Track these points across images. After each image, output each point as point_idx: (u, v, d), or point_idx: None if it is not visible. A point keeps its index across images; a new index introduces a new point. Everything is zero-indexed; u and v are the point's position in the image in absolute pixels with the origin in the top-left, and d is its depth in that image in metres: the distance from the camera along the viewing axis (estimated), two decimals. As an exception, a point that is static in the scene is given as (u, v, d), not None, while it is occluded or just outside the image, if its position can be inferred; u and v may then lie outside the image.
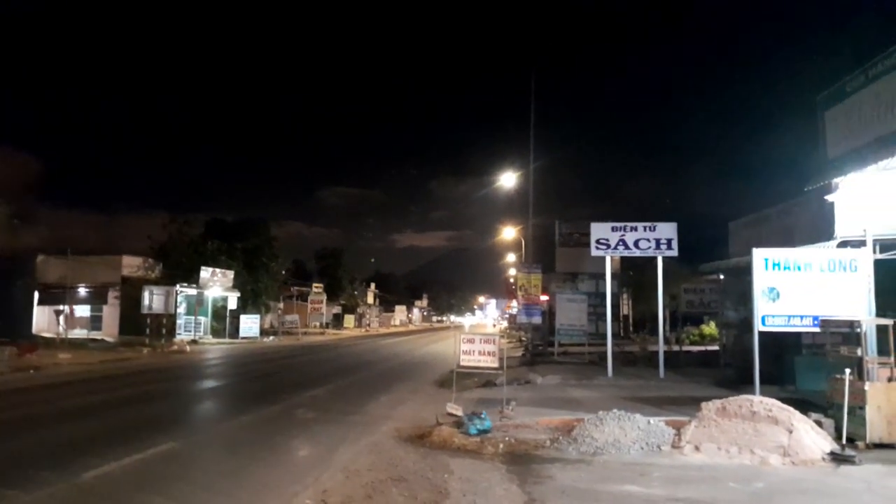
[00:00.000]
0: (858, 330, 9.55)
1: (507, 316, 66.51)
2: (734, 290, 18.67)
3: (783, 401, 9.12)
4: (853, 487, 7.21)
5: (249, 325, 40.63)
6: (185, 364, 23.91)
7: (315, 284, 63.98)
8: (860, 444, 8.87)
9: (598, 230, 18.22)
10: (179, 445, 9.29)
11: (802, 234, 13.70)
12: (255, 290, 45.55)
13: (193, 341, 34.64)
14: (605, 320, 19.90)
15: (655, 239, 17.72)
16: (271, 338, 42.59)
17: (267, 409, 12.74)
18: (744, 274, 14.22)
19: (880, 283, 11.02)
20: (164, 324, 34.14)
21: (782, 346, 14.34)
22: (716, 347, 25.13)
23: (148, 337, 31.46)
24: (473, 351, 11.75)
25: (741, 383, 13.52)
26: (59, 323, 31.38)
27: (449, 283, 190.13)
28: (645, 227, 17.84)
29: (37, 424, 10.93)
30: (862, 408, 8.97)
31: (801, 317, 11.08)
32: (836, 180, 11.41)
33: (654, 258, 18.08)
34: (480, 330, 55.09)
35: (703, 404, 9.22)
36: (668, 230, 17.69)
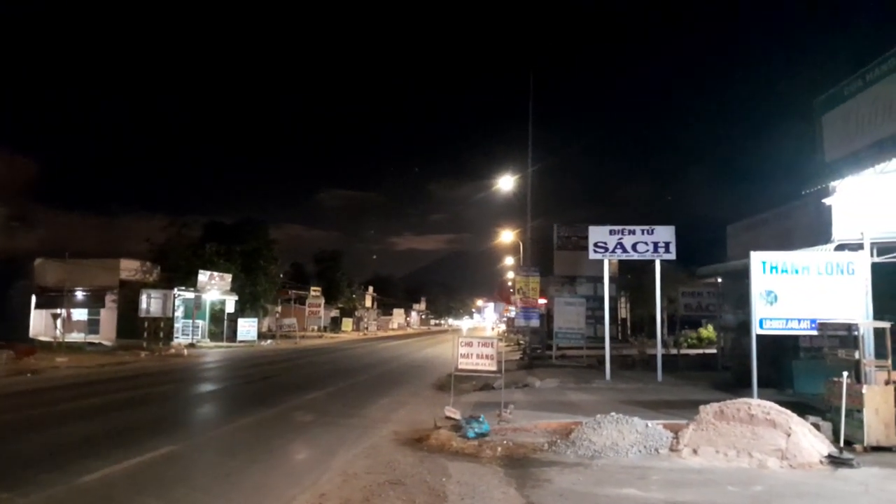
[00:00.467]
0: (856, 333, 9.58)
1: (505, 319, 66.42)
2: (732, 293, 18.72)
3: (781, 404, 9.13)
4: (851, 490, 7.22)
5: (247, 328, 40.55)
6: (182, 367, 23.86)
7: (313, 288, 63.86)
8: (858, 447, 8.88)
9: (597, 233, 18.26)
10: (177, 448, 9.27)
11: (800, 237, 13.73)
12: (253, 293, 45.46)
13: (191, 345, 34.58)
14: (603, 324, 19.90)
15: (653, 242, 17.76)
16: (269, 341, 42.52)
17: (265, 413, 12.73)
18: (742, 277, 14.26)
19: (877, 287, 11.04)
20: (162, 327, 34.11)
21: (780, 350, 14.36)
22: (714, 351, 25.20)
23: (145, 340, 31.40)
24: (472, 354, 11.76)
25: (739, 386, 13.54)
26: (56, 326, 31.40)
27: (447, 286, 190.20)
28: (643, 231, 17.89)
29: (34, 427, 10.90)
30: (860, 411, 8.99)
31: (799, 320, 11.10)
32: (833, 184, 11.44)
33: (652, 262, 18.11)
34: (479, 333, 55.15)
35: (702, 407, 9.23)
36: (665, 233, 17.74)
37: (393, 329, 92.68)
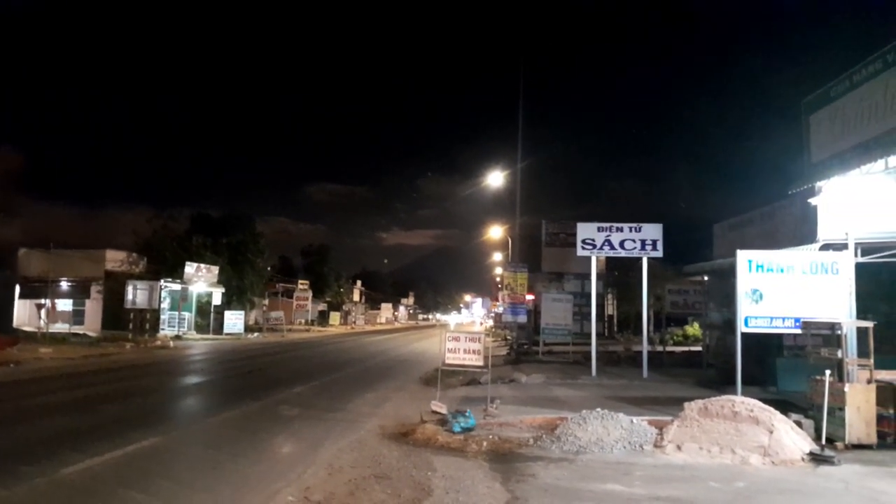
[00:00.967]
0: (839, 332, 9.66)
1: (492, 315, 66.55)
2: (718, 291, 18.82)
3: (764, 401, 9.21)
4: (832, 487, 7.30)
5: (234, 321, 40.36)
6: (168, 360, 23.72)
7: (301, 281, 63.69)
8: (839, 444, 8.98)
9: (585, 230, 18.31)
10: (161, 441, 9.22)
11: (786, 236, 13.83)
12: (240, 286, 45.27)
13: (177, 337, 34.39)
14: (590, 320, 19.97)
15: (641, 240, 17.84)
16: (256, 334, 42.35)
17: (250, 406, 12.68)
18: (728, 275, 14.34)
19: (861, 287, 11.14)
20: (148, 319, 33.90)
21: (765, 348, 14.47)
22: (699, 348, 25.35)
23: (131, 332, 31.18)
24: (459, 349, 11.78)
25: (724, 384, 13.64)
26: (40, 317, 31.04)
27: (435, 281, 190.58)
28: (631, 228, 17.97)
29: (16, 419, 10.79)
30: (842, 409, 9.08)
31: (784, 318, 11.18)
32: (819, 184, 11.52)
33: (640, 259, 18.19)
34: (466, 328, 55.19)
35: (686, 404, 9.30)
36: (653, 231, 17.83)
37: (381, 323, 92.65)
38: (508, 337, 34.94)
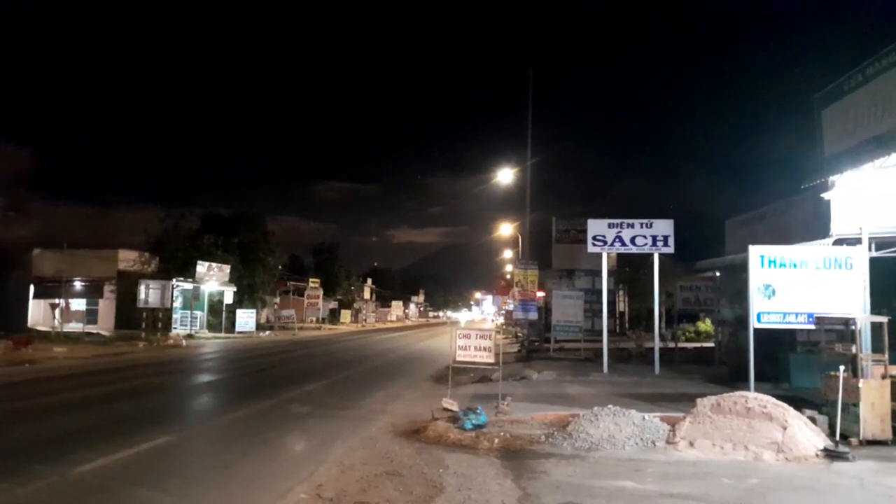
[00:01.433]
0: (853, 327, 9.60)
1: (503, 312, 66.49)
2: (730, 287, 18.73)
3: (777, 398, 9.14)
4: (846, 484, 7.24)
5: (245, 319, 40.58)
6: (180, 358, 23.87)
7: (311, 279, 63.91)
8: (854, 440, 8.91)
9: (595, 227, 18.25)
10: (174, 439, 9.28)
11: (798, 231, 13.73)
12: (251, 284, 45.48)
13: (189, 336, 34.60)
14: (601, 317, 19.92)
15: (652, 236, 17.76)
16: (267, 332, 42.54)
17: (262, 404, 12.73)
18: (740, 271, 14.26)
19: (875, 281, 11.04)
20: (160, 318, 34.11)
21: (777, 344, 14.39)
22: (711, 344, 25.25)
23: (144, 331, 31.40)
24: (469, 346, 11.77)
25: (736, 380, 13.57)
26: (54, 317, 31.40)
27: (445, 278, 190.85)
28: (642, 224, 17.89)
29: (31, 418, 10.90)
30: (856, 405, 9.01)
31: (797, 314, 11.09)
32: (832, 178, 11.44)
33: (651, 255, 18.11)
34: (478, 325, 55.18)
35: (698, 401, 9.25)
36: (664, 227, 17.74)
37: (391, 321, 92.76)
38: (519, 334, 34.92)
